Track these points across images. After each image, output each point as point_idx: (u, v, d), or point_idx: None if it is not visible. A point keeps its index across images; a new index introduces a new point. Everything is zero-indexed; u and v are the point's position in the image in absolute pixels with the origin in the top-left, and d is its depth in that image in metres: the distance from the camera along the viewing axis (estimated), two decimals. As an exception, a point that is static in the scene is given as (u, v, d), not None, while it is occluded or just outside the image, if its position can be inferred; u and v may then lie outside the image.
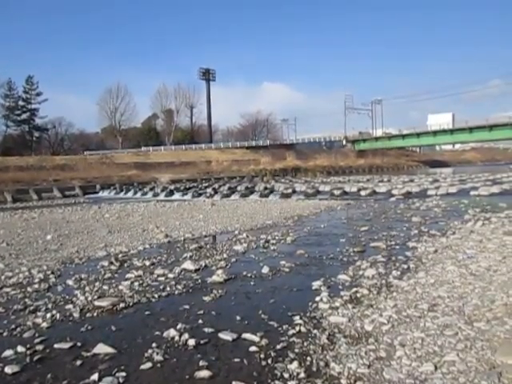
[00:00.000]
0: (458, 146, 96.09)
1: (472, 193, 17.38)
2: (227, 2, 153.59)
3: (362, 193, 19.32)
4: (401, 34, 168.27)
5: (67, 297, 5.39)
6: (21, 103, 63.50)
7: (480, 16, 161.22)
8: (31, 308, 4.98)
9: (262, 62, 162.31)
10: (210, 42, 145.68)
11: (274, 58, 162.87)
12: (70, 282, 6.08)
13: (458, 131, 58.36)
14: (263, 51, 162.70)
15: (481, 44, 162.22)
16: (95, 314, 4.76)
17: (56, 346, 3.90)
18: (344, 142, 68.61)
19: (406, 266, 6.16)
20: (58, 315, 4.69)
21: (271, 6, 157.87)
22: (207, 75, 74.83)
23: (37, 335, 4.16)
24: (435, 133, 60.99)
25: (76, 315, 4.71)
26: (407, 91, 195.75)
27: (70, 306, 4.99)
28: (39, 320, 4.56)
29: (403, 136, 64.58)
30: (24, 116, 63.66)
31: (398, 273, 5.81)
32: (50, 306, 5.06)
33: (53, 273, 6.70)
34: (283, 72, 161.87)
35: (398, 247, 7.68)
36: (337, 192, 19.87)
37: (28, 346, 3.89)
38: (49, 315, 4.67)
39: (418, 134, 62.48)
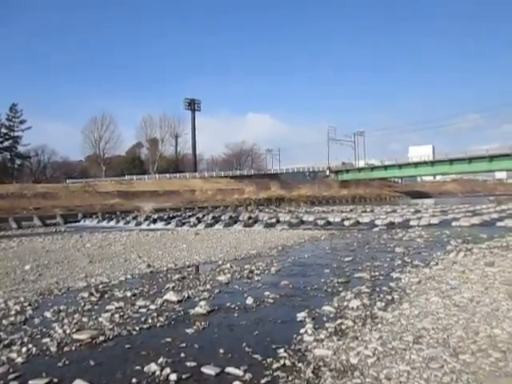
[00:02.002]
0: (438, 178, 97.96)
1: (453, 224, 17.62)
2: (209, 32, 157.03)
3: (346, 223, 19.42)
4: (382, 68, 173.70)
5: (44, 330, 5.21)
6: (3, 130, 63.10)
7: (457, 55, 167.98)
8: (6, 342, 4.78)
9: (247, 92, 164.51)
10: (195, 72, 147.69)
11: (258, 89, 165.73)
12: (47, 314, 5.89)
13: (439, 163, 59.72)
14: (247, 82, 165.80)
15: (458, 80, 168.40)
16: (73, 348, 4.60)
17: (31, 382, 3.75)
18: (327, 173, 69.41)
19: (390, 297, 6.16)
20: (34, 349, 4.51)
21: (253, 37, 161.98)
22: (192, 105, 75.79)
23: (11, 371, 3.99)
24: (416, 164, 62.28)
25: (53, 349, 4.55)
26: (388, 124, 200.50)
27: (46, 340, 4.82)
28: (14, 354, 4.38)
29: (385, 167, 65.74)
30: (6, 143, 63.14)
31: (383, 304, 5.80)
32: (25, 339, 4.87)
33: (30, 304, 6.50)
34: (267, 103, 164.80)
35: (382, 278, 7.69)
36: (321, 222, 19.94)
37: (1, 382, 3.72)
38: (24, 349, 4.50)
39: (400, 166, 63.70)
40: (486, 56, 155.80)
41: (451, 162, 57.34)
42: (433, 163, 60.78)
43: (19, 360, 4.26)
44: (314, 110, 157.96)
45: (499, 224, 16.78)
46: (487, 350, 3.83)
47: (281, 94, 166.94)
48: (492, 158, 53.25)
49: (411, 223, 18.25)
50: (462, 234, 13.88)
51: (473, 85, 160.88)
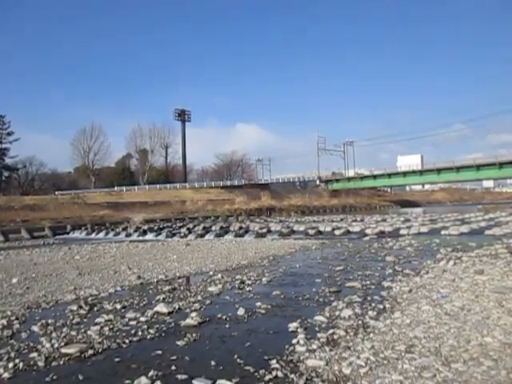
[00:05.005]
0: (427, 187, 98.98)
1: (443, 232, 17.75)
2: (196, 43, 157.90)
3: (337, 232, 19.47)
4: (371, 78, 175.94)
5: (32, 344, 5.11)
6: (-10, 143, 62.33)
7: (443, 68, 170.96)
8: (-8, 357, 4.68)
9: (235, 103, 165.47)
10: (183, 83, 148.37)
11: (246, 100, 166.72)
12: (35, 328, 5.79)
13: (427, 172, 60.31)
14: (235, 92, 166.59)
15: (445, 91, 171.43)
16: (61, 362, 4.51)
17: (18, 398, 3.66)
18: (318, 182, 69.65)
19: (381, 306, 6.16)
20: (21, 364, 4.42)
21: (239, 48, 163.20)
22: (183, 116, 75.69)
23: (-3, 387, 3.90)
24: (405, 173, 62.81)
25: (41, 364, 4.46)
26: (377, 133, 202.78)
27: (34, 354, 4.72)
28: (0, 370, 4.28)
29: (375, 176, 66.17)
30: (-6, 155, 62.37)
31: (375, 313, 5.79)
32: (12, 354, 4.77)
33: (17, 318, 6.38)
34: (256, 113, 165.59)
35: (373, 287, 7.69)
36: (311, 231, 19.97)
37: (-13, 398, 3.63)
38: (11, 364, 4.40)
39: (389, 175, 64.17)
40: (473, 67, 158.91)
41: (439, 171, 57.92)
42: (421, 172, 61.39)
43: (6, 376, 4.17)
44: (303, 120, 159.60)
45: (487, 232, 16.94)
46: (479, 359, 3.83)
47: (269, 105, 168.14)
48: (479, 167, 53.94)
49: (401, 232, 18.36)
50: (451, 243, 13.98)
51: (459, 96, 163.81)
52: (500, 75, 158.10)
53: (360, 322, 5.43)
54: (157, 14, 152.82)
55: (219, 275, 9.46)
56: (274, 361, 4.25)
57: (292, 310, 6.37)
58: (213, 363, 4.33)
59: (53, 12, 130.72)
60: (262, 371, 4.02)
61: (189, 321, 5.85)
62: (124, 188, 59.90)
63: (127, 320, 6.07)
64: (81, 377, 4.12)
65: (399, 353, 4.14)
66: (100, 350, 4.85)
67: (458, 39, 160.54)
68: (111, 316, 6.25)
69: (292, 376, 3.87)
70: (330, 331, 5.07)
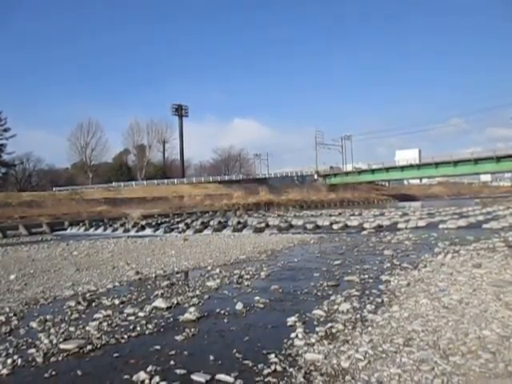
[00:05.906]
0: (425, 181, 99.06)
1: (440, 226, 17.77)
2: (194, 38, 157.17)
3: (335, 226, 19.48)
4: (369, 71, 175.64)
5: (30, 340, 5.11)
6: (-14, 139, 61.92)
7: (442, 58, 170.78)
8: (-10, 353, 4.68)
9: (232, 98, 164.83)
10: (180, 78, 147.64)
11: (243, 95, 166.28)
12: (33, 324, 5.78)
13: (425, 166, 60.29)
14: (232, 87, 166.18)
15: (443, 85, 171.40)
16: (60, 358, 4.51)
17: (16, 394, 3.66)
18: (316, 177, 69.65)
19: (379, 300, 6.17)
20: (19, 360, 4.42)
21: (238, 44, 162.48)
22: (180, 111, 75.44)
23: (-5, 383, 3.90)
24: (403, 168, 62.80)
25: (39, 360, 4.45)
26: (375, 128, 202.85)
27: (32, 350, 4.72)
28: (-1, 366, 4.28)
29: (372, 171, 66.19)
30: (-10, 152, 62.01)
31: (373, 307, 5.80)
32: (11, 350, 4.77)
33: (15, 315, 6.38)
34: (253, 108, 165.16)
35: (371, 281, 7.71)
36: (309, 226, 19.97)
37: (-15, 395, 3.63)
38: (9, 361, 4.40)
39: (387, 169, 64.18)
40: (471, 62, 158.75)
41: (437, 165, 57.90)
42: (419, 166, 61.38)
43: (4, 372, 4.17)
44: (301, 115, 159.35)
45: (485, 226, 16.97)
46: (477, 352, 3.84)
47: (266, 99, 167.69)
48: (477, 161, 53.96)
49: (399, 226, 18.38)
50: (449, 236, 14.01)
51: (457, 90, 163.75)
52: (498, 69, 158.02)
53: (358, 315, 5.44)
54: (154, 10, 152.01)
55: (217, 270, 9.47)
56: (273, 355, 4.26)
57: (290, 305, 6.38)
58: (211, 358, 4.33)
59: (50, 8, 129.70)
60: (260, 365, 4.03)
61: (187, 316, 5.86)
62: (122, 184, 59.80)
63: (126, 315, 6.07)
64: (79, 372, 4.12)
65: (397, 346, 4.16)
66: (98, 346, 4.85)
67: (456, 34, 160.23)
68: (109, 311, 6.26)
69: (291, 370, 3.88)
70: (329, 325, 5.08)
